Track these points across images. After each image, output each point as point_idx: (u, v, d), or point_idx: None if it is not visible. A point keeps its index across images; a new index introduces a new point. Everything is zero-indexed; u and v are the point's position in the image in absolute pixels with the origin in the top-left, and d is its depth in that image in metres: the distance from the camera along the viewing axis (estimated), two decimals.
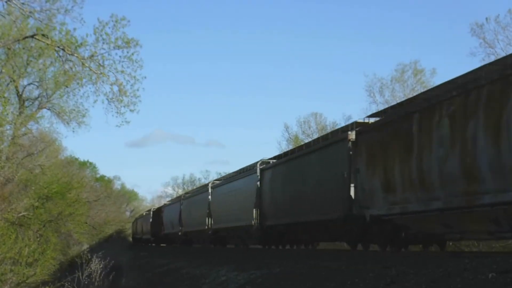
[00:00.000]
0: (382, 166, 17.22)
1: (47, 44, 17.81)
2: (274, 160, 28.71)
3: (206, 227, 39.16)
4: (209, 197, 39.11)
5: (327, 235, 22.57)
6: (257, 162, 29.74)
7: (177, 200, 54.28)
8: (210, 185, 40.23)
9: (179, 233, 49.38)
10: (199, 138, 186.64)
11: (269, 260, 19.13)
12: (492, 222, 13.47)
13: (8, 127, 30.52)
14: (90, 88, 19.73)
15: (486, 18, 34.53)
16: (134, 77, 18.95)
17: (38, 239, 34.99)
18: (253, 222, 28.95)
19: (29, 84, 37.02)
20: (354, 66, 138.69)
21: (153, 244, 66.10)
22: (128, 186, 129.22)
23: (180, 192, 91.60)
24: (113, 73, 18.85)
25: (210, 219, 38.72)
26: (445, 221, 15.15)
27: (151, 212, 67.53)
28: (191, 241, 47.79)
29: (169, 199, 76.14)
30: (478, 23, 34.95)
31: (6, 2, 17.83)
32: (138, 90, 19.20)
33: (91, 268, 29.69)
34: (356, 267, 13.31)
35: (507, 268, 9.15)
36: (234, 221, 32.51)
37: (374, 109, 43.35)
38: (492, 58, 30.84)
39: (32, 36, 18.44)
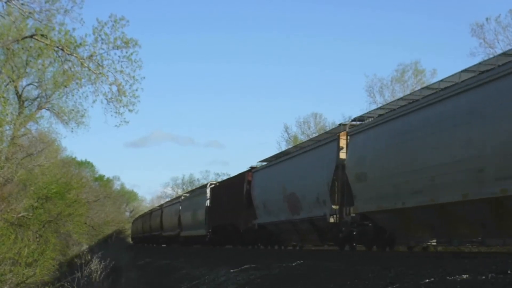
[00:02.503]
0: None
1: (46, 44, 17.80)
2: None
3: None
4: None
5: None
6: None
7: (323, 141, 23.43)
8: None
9: (329, 219, 21.37)
10: (198, 139, 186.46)
11: (269, 261, 19.12)
12: None
13: (8, 128, 30.53)
14: (89, 88, 19.76)
15: (487, 18, 34.68)
16: (133, 77, 18.95)
17: (38, 240, 35.00)
18: None
19: (28, 85, 37.17)
20: (354, 67, 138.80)
21: (202, 245, 41.49)
22: (128, 186, 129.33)
23: (180, 192, 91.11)
24: (112, 73, 18.86)
25: None
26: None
27: (208, 190, 39.70)
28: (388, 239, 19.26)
29: (169, 199, 72.93)
30: (479, 23, 35.06)
31: (5, 2, 17.82)
32: (137, 90, 19.21)
33: (90, 269, 29.68)
34: (355, 267, 13.29)
35: (507, 269, 9.13)
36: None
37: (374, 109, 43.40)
38: None
39: (31, 36, 18.43)
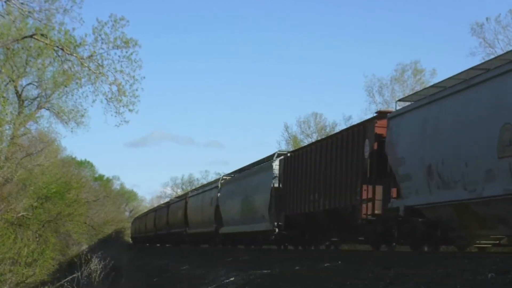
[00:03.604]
0: None
1: (46, 44, 17.83)
2: None
3: None
4: None
5: None
6: None
7: None
8: None
9: None
10: (198, 139, 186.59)
11: (269, 261, 19.12)
12: None
13: (7, 127, 30.53)
14: (89, 88, 19.81)
15: (486, 18, 34.60)
16: (133, 77, 19.00)
17: (37, 239, 35.00)
18: None
19: (28, 84, 37.22)
20: (354, 67, 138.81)
21: None
22: (127, 186, 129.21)
23: (180, 192, 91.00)
24: (112, 73, 18.89)
25: None
26: None
27: (276, 162, 26.17)
28: None
29: (168, 199, 71.87)
30: (478, 23, 35.01)
31: (5, 2, 17.83)
32: (137, 90, 19.26)
33: (90, 269, 29.72)
34: (355, 267, 13.29)
35: (507, 269, 9.14)
36: None
37: (374, 109, 43.31)
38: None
39: (31, 36, 18.47)
